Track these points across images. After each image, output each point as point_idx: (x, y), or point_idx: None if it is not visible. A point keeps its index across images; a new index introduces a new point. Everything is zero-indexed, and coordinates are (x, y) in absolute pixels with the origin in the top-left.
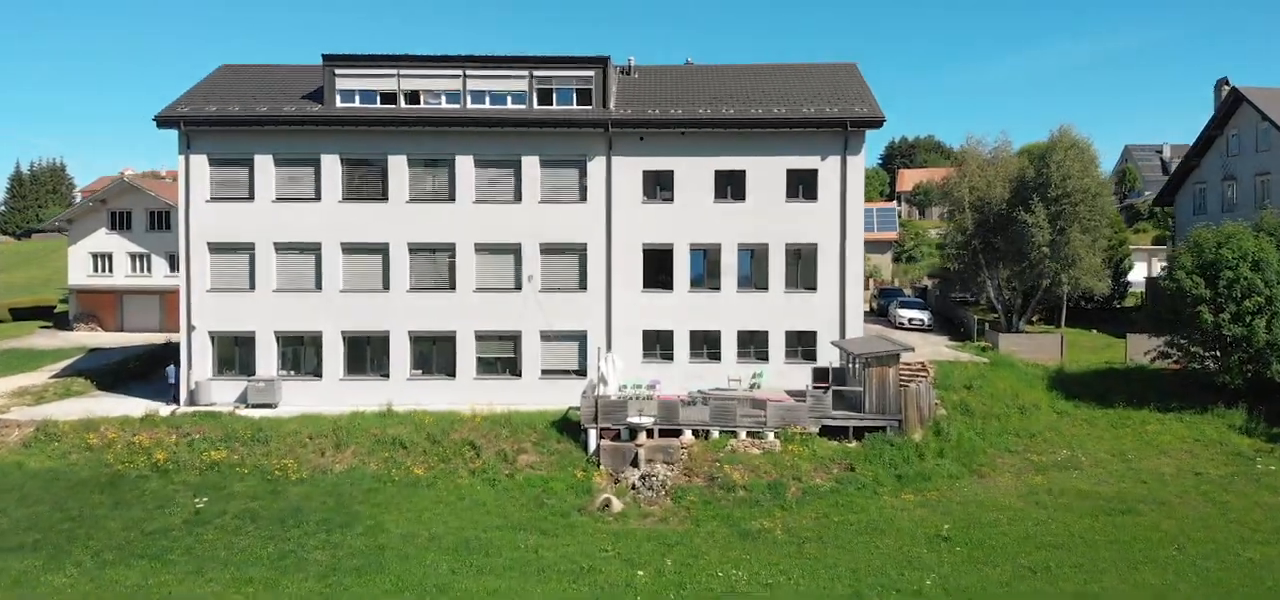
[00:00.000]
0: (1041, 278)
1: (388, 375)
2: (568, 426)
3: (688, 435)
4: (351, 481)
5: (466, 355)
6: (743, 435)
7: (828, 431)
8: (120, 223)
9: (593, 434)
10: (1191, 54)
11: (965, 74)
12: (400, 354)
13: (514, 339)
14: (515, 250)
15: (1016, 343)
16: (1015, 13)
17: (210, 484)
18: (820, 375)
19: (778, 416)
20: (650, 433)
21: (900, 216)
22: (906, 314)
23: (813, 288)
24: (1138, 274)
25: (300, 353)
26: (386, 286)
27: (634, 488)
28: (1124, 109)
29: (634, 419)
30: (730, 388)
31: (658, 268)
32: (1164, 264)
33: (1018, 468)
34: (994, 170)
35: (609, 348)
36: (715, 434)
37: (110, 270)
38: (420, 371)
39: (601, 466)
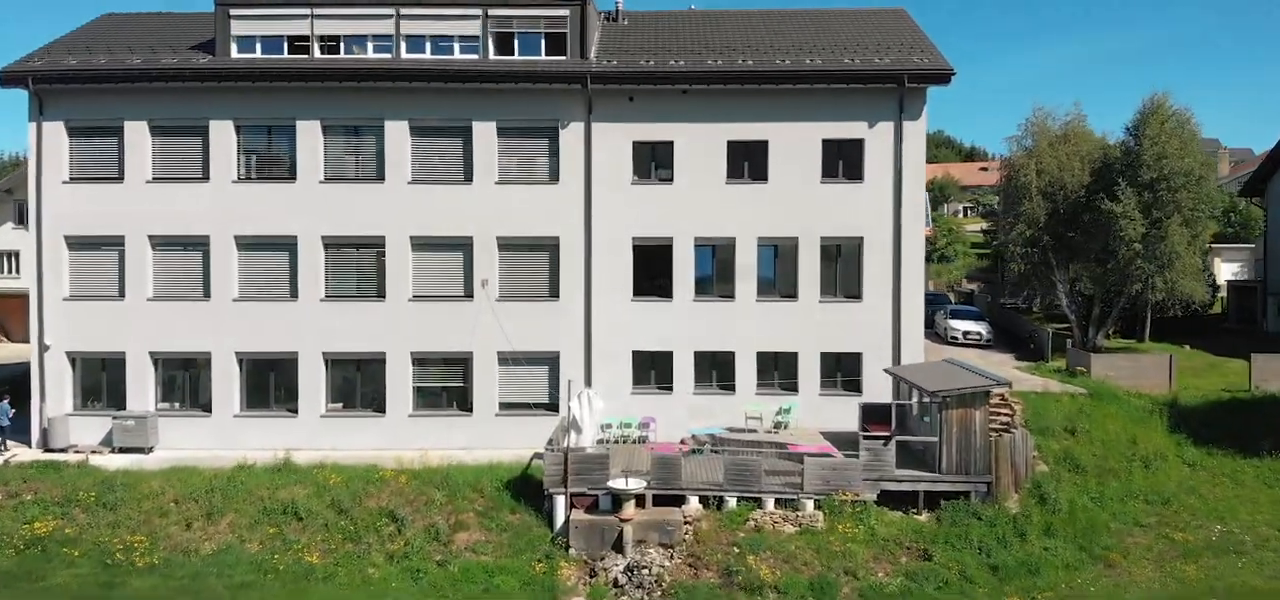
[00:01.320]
0: (1131, 281)
1: (297, 411)
2: (528, 487)
3: (693, 503)
4: (220, 569)
5: (400, 385)
6: (770, 504)
7: (888, 497)
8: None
9: (560, 502)
10: (1185, 53)
11: (972, 71)
12: (313, 383)
13: (463, 363)
14: (465, 246)
15: (1112, 365)
16: (1019, 11)
17: (24, 571)
18: (872, 415)
19: (819, 477)
20: (641, 501)
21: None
22: (960, 326)
23: (856, 295)
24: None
25: (185, 380)
26: (295, 294)
27: (617, 585)
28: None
29: (618, 483)
30: (748, 429)
31: (652, 269)
32: (1239, 265)
33: (1157, 551)
34: (1068, 149)
35: (588, 375)
36: (732, 502)
37: (18, 271)
38: (340, 405)
39: (571, 550)
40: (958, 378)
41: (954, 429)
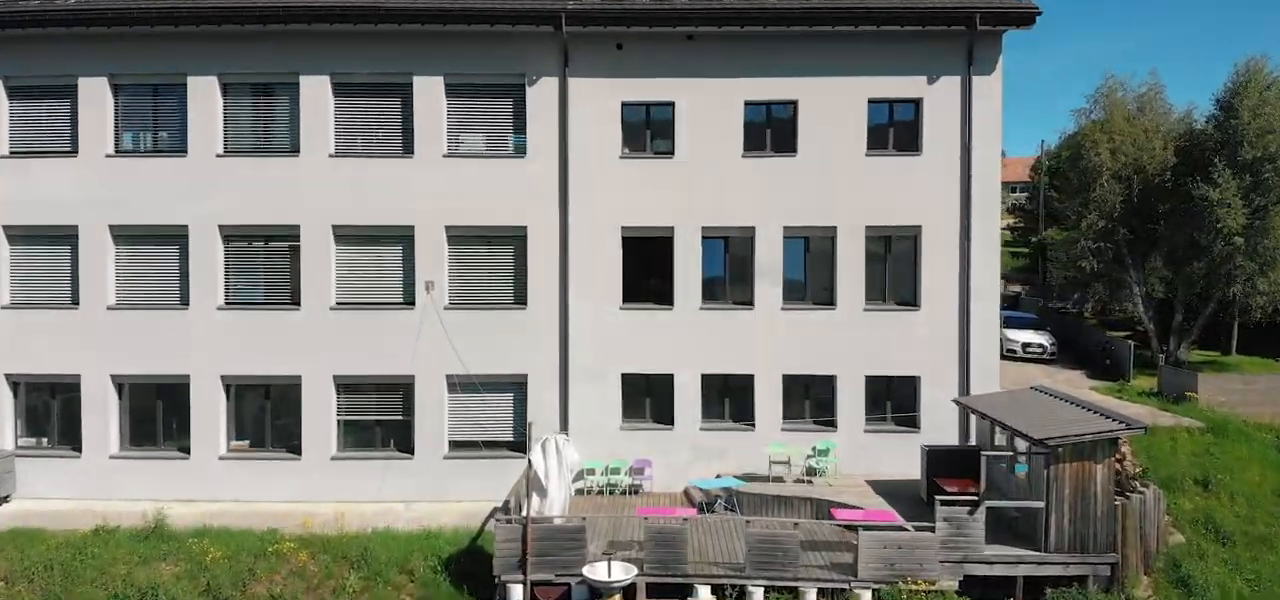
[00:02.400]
0: (1225, 282)
1: (189, 451)
2: (478, 564)
3: (705, 595)
4: None
5: (321, 418)
6: (812, 596)
7: (974, 584)
8: None
9: (517, 594)
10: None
11: None
12: (208, 415)
13: (402, 390)
14: (405, 239)
15: (1222, 387)
16: None
17: None
18: (940, 463)
19: (879, 556)
20: (630, 593)
21: None
22: (1020, 337)
23: (911, 303)
24: None
25: (51, 411)
26: (185, 300)
27: None
28: None
29: (598, 570)
30: (773, 478)
31: (648, 269)
32: None
33: None
34: (1147, 125)
35: (565, 405)
36: (758, 595)
37: None
38: (247, 444)
39: None
40: (1064, 417)
41: (1066, 490)
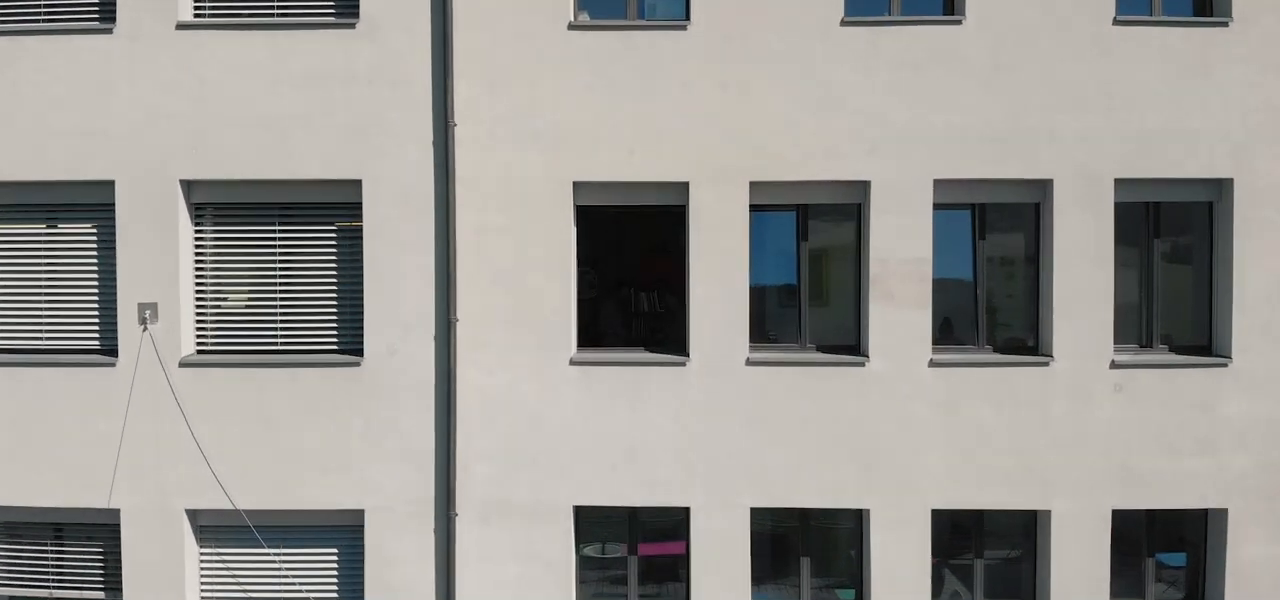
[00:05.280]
0: None
1: None
2: None
3: None
4: None
5: None
6: None
7: None
8: None
9: None
10: None
11: None
12: None
13: (99, 541)
14: (98, 215)
15: None
16: None
17: None
18: None
19: None
20: None
21: None
22: None
23: (1207, 350)
24: None
25: None
26: None
27: None
28: None
29: None
30: None
31: (627, 275)
32: None
33: None
34: None
35: (447, 581)
36: None
37: None
38: None
39: None
40: None
41: None
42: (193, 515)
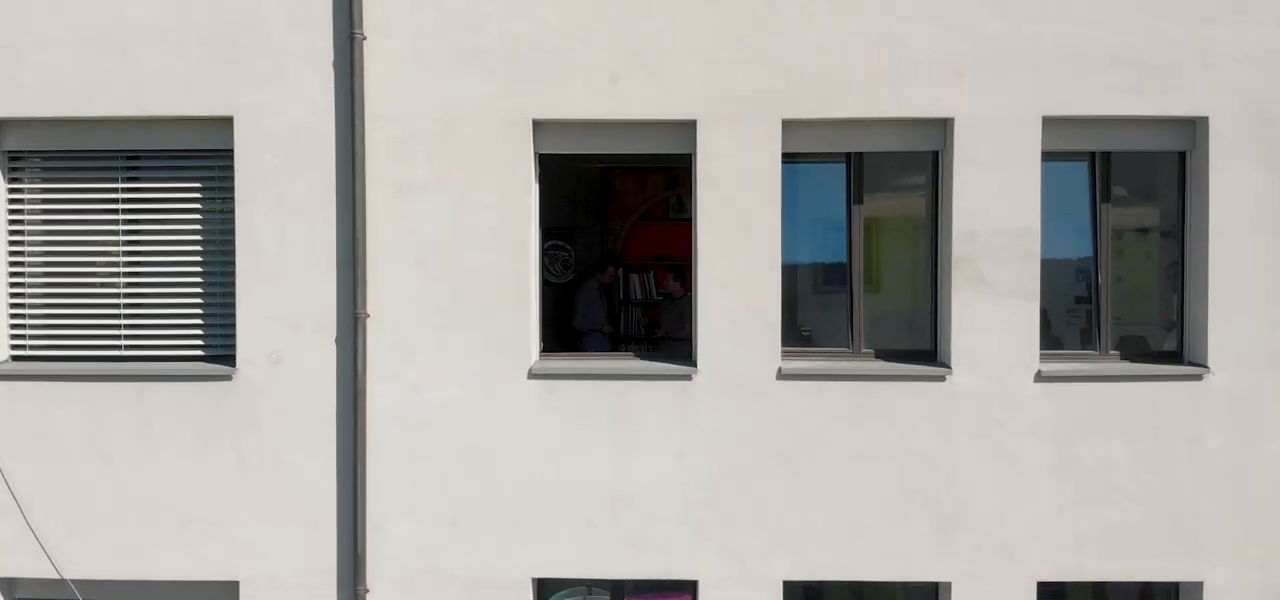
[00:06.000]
0: None
1: None
2: None
3: None
4: None
5: None
6: None
7: None
8: None
9: None
10: None
11: None
12: None
13: None
14: None
15: None
16: None
17: None
18: None
19: None
20: None
21: None
22: None
23: None
24: None
25: None
26: None
27: None
28: None
29: None
30: None
31: (599, 253)
32: None
33: None
34: None
35: None
36: None
37: None
38: None
39: None
40: None
41: None
42: (6, 585)
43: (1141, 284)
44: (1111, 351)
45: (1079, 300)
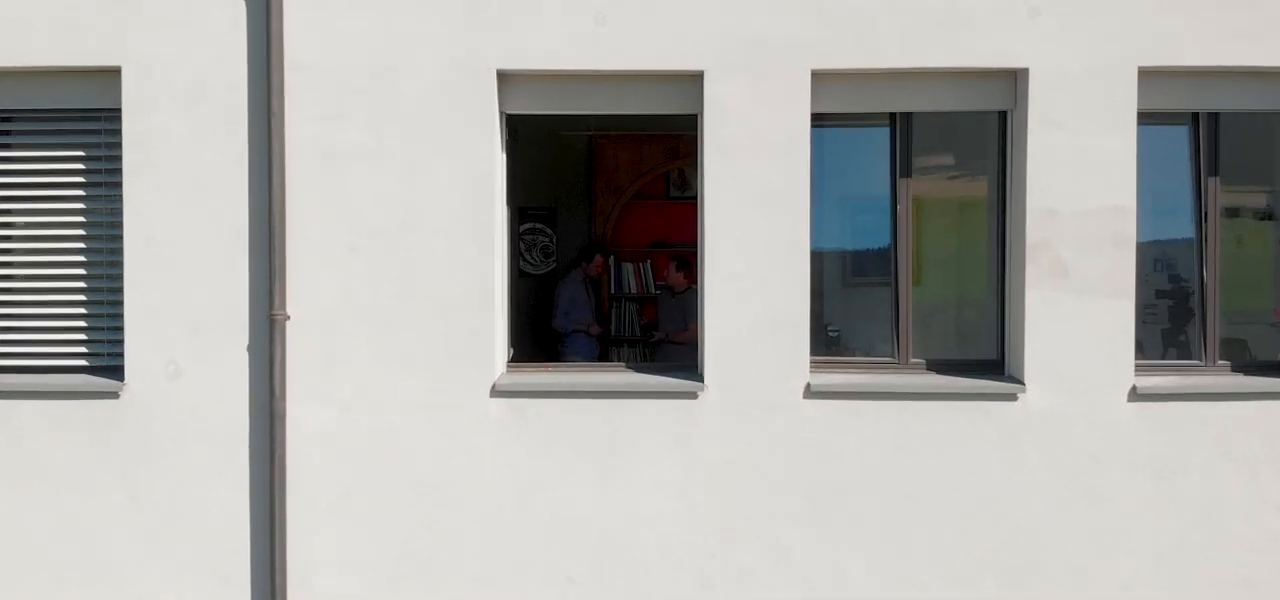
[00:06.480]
0: None
1: None
2: None
3: None
4: None
5: None
6: None
7: None
8: None
9: None
10: None
11: None
12: None
13: None
14: None
15: None
16: None
17: None
18: None
19: None
20: None
21: None
22: None
23: None
24: None
25: None
26: None
27: None
28: None
29: None
30: None
31: (583, 239)
32: None
33: None
34: None
35: None
36: None
37: None
38: None
39: None
40: None
41: None
42: None
43: (1248, 275)
44: (1219, 362)
45: (1160, 294)
